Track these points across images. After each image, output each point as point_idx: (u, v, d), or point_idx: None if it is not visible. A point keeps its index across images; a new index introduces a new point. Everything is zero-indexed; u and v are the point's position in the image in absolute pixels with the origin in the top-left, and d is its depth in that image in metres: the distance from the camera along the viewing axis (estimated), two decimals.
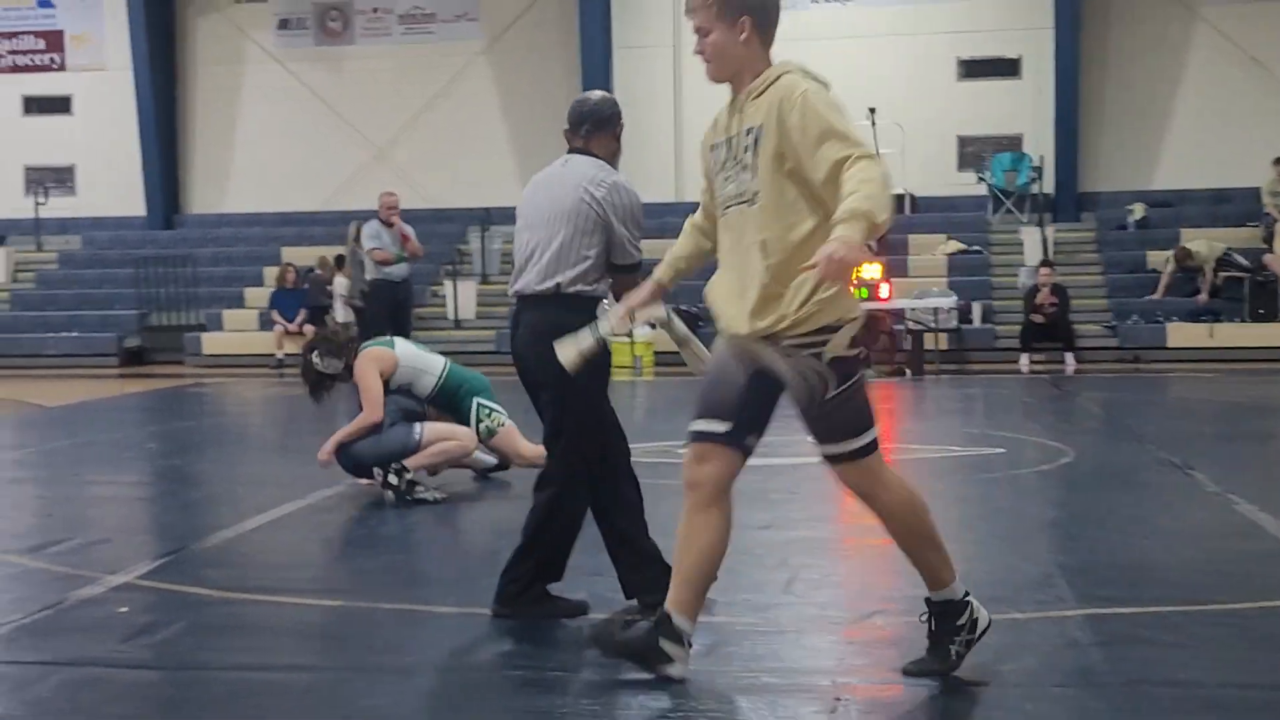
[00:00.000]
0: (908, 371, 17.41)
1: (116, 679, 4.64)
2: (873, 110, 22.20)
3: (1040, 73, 23.00)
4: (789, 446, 10.60)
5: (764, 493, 8.06)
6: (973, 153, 23.38)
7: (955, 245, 21.65)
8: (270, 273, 22.56)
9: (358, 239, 16.73)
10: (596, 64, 23.36)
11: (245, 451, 7.97)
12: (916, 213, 22.84)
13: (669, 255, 4.80)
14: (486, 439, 8.44)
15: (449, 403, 8.41)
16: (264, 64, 25.38)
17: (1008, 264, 21.29)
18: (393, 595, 5.72)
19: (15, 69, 26.18)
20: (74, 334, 22.42)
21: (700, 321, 15.83)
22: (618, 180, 5.29)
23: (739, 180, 4.33)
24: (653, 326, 5.27)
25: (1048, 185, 22.48)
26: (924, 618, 4.51)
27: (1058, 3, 22.48)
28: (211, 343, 21.62)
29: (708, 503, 4.43)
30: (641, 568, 5.37)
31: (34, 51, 26.15)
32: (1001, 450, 10.16)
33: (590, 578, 5.65)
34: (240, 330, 21.87)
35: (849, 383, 4.33)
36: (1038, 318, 18.36)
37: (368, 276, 15.41)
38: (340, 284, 19.41)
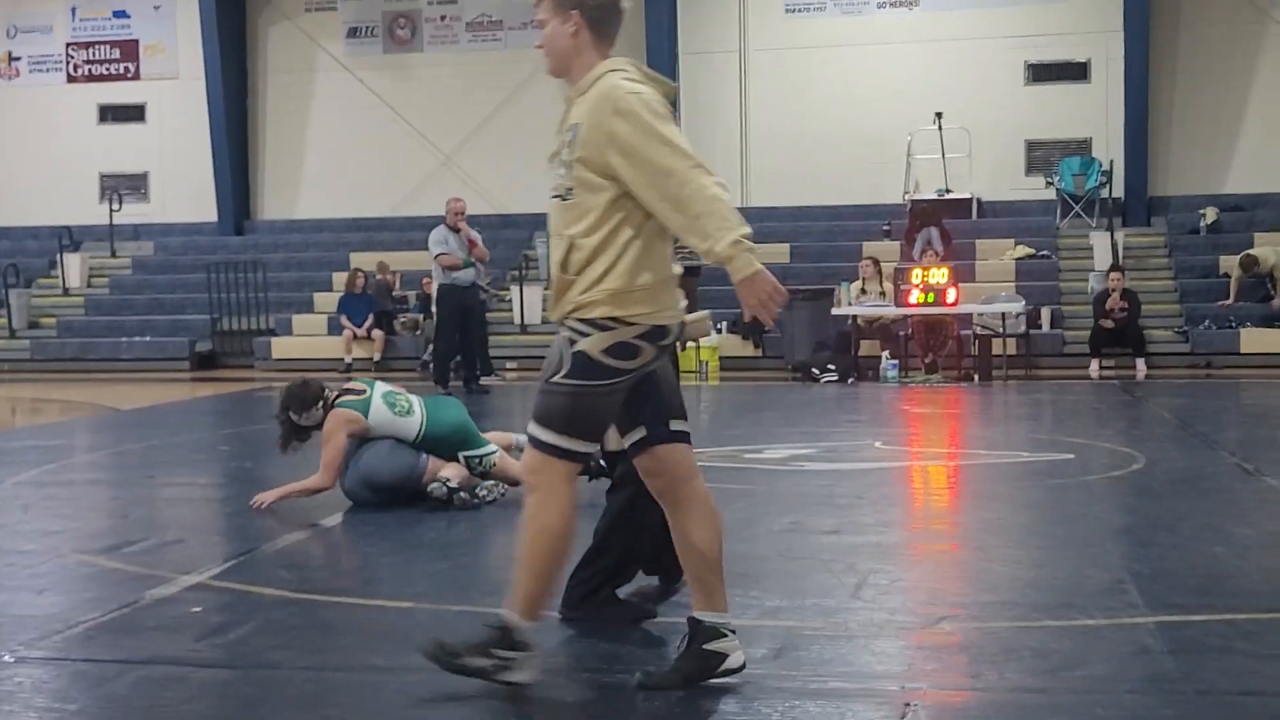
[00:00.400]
0: (975, 377, 17.31)
1: (192, 678, 4.70)
2: (939, 115, 22.18)
3: (1109, 76, 22.78)
4: (855, 451, 10.62)
5: (831, 498, 8.06)
6: (1041, 157, 23.20)
7: (1023, 250, 21.48)
8: (339, 278, 22.76)
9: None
10: (662, 69, 23.15)
11: (314, 454, 8.03)
12: (983, 217, 22.72)
13: None
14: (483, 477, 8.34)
15: (432, 452, 8.16)
16: (333, 72, 25.62)
17: (1077, 269, 21.10)
18: (463, 598, 5.76)
19: (91, 78, 26.60)
20: (147, 338, 22.71)
21: None
22: None
23: (558, 175, 4.41)
24: None
25: (1117, 189, 22.27)
26: (489, 624, 4.44)
27: (1127, 6, 22.27)
28: (281, 347, 21.82)
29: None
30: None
31: (109, 61, 26.55)
32: (1071, 456, 10.07)
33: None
34: (309, 335, 22.07)
35: (581, 383, 4.28)
36: (1107, 323, 18.19)
37: (436, 282, 15.50)
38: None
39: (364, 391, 8.14)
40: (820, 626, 5.23)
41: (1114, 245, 20.54)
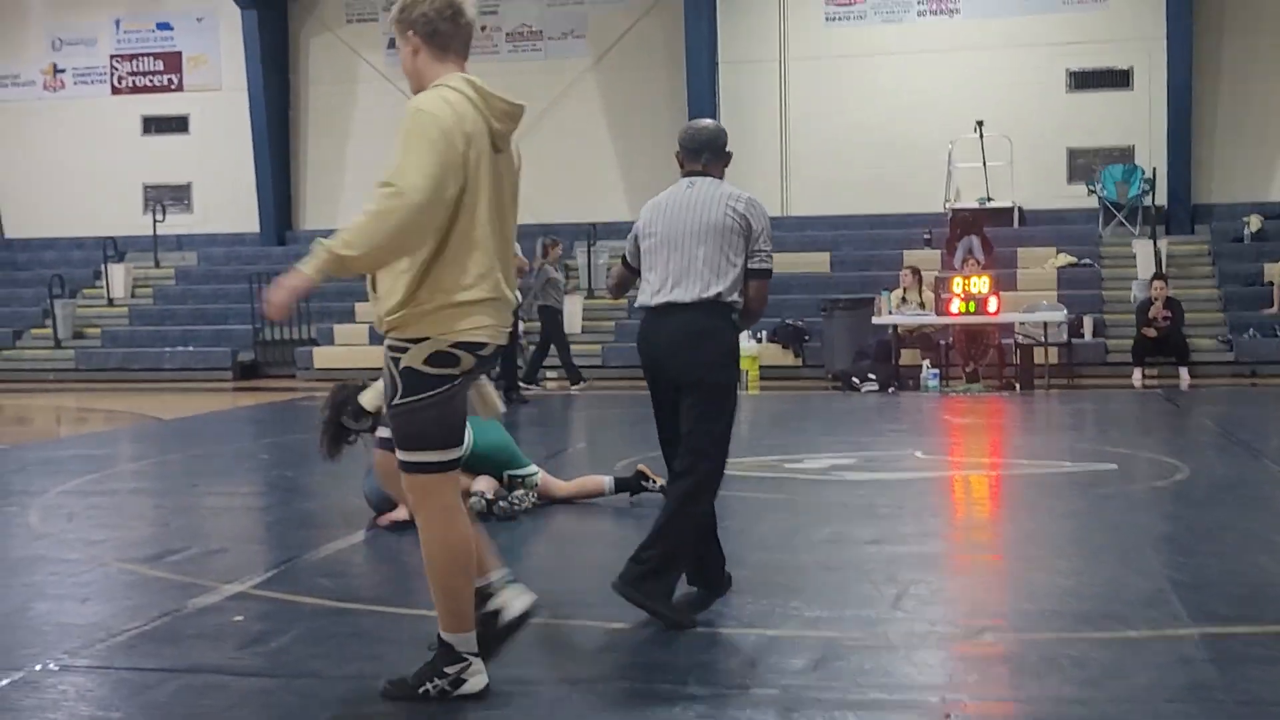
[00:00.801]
0: (1016, 386, 17.22)
1: (233, 686, 4.73)
2: (980, 123, 22.09)
3: (1152, 83, 22.64)
4: (896, 461, 10.57)
5: (872, 508, 8.05)
6: (1083, 165, 23.07)
7: (1065, 258, 21.37)
8: None
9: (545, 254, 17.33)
10: (702, 79, 23.41)
11: (356, 463, 8.06)
12: (1025, 226, 22.62)
13: None
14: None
15: (476, 470, 8.13)
16: (374, 83, 25.74)
17: (1119, 277, 20.96)
18: None
19: (135, 89, 26.85)
20: (190, 348, 22.90)
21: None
22: (752, 195, 5.65)
23: None
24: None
25: (1160, 197, 22.12)
26: (430, 646, 4.55)
27: (1170, 12, 22.13)
28: (323, 357, 21.94)
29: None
30: (721, 567, 5.89)
31: (153, 73, 26.79)
32: (1113, 466, 10.01)
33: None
34: (351, 345, 22.16)
35: (419, 397, 4.31)
36: (1150, 332, 18.05)
37: None
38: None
39: None
40: (860, 637, 5.21)
41: (1157, 253, 20.41)
